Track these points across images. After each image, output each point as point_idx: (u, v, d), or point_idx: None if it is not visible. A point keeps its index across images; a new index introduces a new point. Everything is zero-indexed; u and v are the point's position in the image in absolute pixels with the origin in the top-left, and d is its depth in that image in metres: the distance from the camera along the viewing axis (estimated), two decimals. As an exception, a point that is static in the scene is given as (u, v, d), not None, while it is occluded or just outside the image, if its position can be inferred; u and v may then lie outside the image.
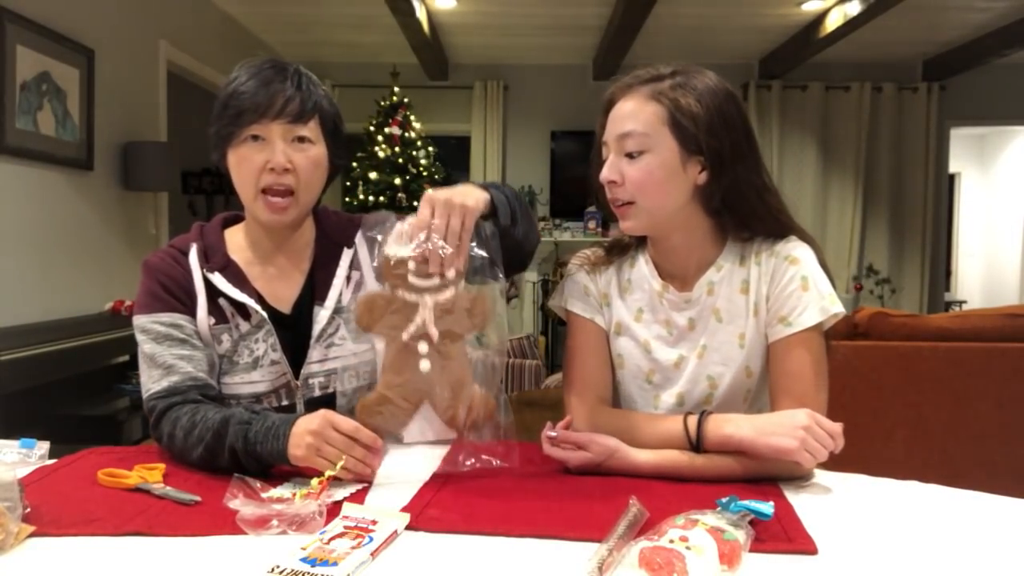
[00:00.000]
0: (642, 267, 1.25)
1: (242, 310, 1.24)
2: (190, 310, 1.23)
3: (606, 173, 1.15)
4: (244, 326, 1.24)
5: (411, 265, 1.06)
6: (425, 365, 1.06)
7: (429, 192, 1.07)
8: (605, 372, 1.25)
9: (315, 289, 1.27)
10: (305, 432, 1.03)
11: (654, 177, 1.12)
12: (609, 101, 1.18)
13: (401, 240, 1.07)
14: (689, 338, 1.21)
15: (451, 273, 1.06)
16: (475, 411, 1.07)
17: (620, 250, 1.28)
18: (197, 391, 1.17)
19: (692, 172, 1.13)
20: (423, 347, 1.06)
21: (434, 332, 1.06)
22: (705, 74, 1.16)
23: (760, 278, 1.17)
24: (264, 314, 1.23)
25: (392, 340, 1.07)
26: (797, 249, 1.17)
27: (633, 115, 1.13)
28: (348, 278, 1.29)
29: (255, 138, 1.19)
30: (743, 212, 1.17)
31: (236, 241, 1.31)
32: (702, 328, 1.20)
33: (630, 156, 1.13)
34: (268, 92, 1.18)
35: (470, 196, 1.07)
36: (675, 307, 1.21)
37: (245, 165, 1.20)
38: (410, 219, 1.07)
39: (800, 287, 1.14)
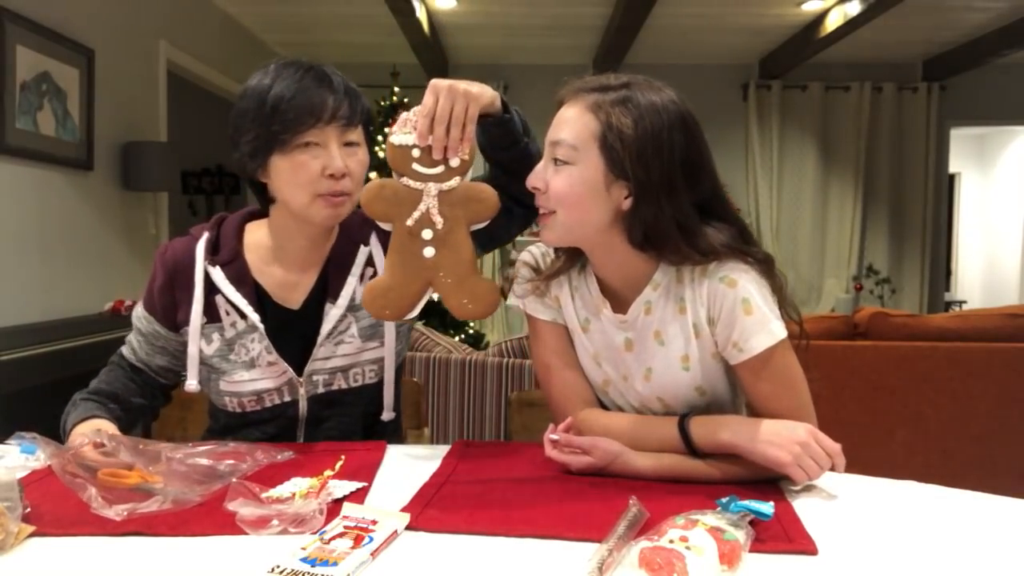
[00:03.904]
0: (589, 277, 1.19)
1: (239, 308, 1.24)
2: (173, 314, 1.25)
3: (530, 179, 1.10)
4: (241, 324, 1.23)
5: (415, 153, 1.09)
6: (429, 252, 1.09)
7: (434, 80, 1.08)
8: (582, 373, 1.20)
9: (328, 286, 1.26)
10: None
11: (574, 192, 1.06)
12: (559, 102, 1.11)
13: (406, 127, 1.10)
14: (626, 359, 1.16)
15: (455, 161, 1.09)
16: (479, 299, 1.10)
17: (569, 254, 1.20)
18: (128, 363, 1.31)
19: (617, 196, 1.06)
20: (427, 234, 1.09)
21: (438, 219, 1.09)
22: (659, 92, 1.07)
23: (696, 300, 1.10)
24: (256, 318, 1.22)
25: (397, 225, 1.10)
26: (733, 270, 1.07)
27: (568, 123, 1.07)
28: (362, 276, 1.27)
29: (307, 144, 1.16)
30: (666, 248, 1.08)
31: (256, 238, 1.29)
32: (641, 349, 1.15)
33: (556, 164, 1.08)
34: (320, 97, 1.16)
35: (474, 85, 1.09)
36: (613, 325, 1.16)
37: (302, 171, 1.16)
38: (416, 108, 1.09)
39: (743, 311, 1.05)
